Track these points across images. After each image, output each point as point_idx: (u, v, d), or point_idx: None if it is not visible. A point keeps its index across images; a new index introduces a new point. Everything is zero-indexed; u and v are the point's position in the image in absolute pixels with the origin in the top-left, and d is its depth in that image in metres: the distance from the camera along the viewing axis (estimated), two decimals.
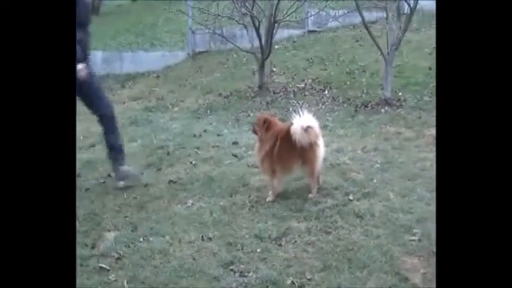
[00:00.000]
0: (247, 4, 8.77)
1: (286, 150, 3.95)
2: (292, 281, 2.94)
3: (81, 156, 5.86)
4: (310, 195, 4.04)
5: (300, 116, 3.91)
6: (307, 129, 3.84)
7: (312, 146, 3.91)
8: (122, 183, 4.61)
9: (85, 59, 4.55)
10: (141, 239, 3.57)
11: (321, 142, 4.00)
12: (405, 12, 7.56)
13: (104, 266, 3.24)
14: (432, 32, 10.23)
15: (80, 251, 3.44)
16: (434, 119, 6.14)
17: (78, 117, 8.47)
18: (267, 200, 4.06)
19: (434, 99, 6.93)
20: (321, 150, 4.02)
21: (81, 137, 6.86)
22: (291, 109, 6.84)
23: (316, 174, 4.06)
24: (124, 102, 9.47)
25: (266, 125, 4.05)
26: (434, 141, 5.35)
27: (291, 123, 3.95)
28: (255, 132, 4.20)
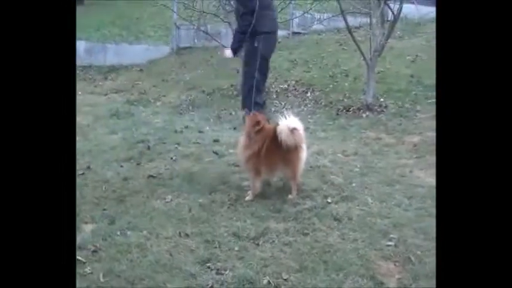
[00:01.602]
0: (232, 2, 8.75)
1: (272, 150, 3.95)
2: (268, 281, 2.94)
3: None
4: (290, 196, 4.04)
5: (286, 117, 3.90)
6: (293, 131, 3.84)
7: (296, 148, 3.92)
8: None
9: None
10: (119, 233, 3.53)
11: (304, 145, 4.01)
12: (389, 19, 7.60)
13: (80, 258, 3.19)
14: (415, 40, 10.37)
15: None
16: (414, 126, 6.22)
17: None
18: (246, 199, 4.06)
19: (415, 106, 7.02)
20: (304, 154, 4.03)
21: None
22: (273, 109, 6.87)
23: (298, 177, 4.06)
24: (106, 94, 9.42)
25: (258, 127, 4.03)
26: (414, 148, 5.42)
27: (277, 124, 3.95)
28: (244, 122, 4.17)
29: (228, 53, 4.49)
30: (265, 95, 4.59)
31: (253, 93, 4.42)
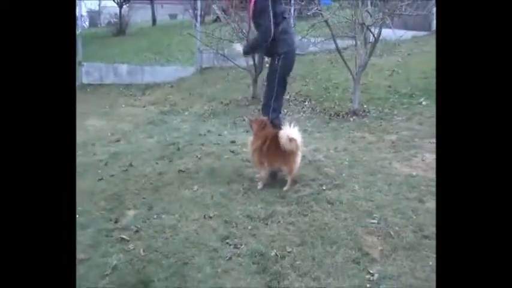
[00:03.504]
0: (243, 30, 8.78)
1: (273, 149, 3.93)
2: (275, 253, 2.94)
3: (109, 149, 5.85)
4: (284, 188, 4.00)
5: (289, 126, 3.87)
6: (291, 140, 3.82)
7: (292, 153, 3.89)
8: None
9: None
10: (155, 216, 3.55)
11: (300, 152, 3.97)
12: (370, 41, 7.56)
13: (124, 237, 3.23)
14: (392, 58, 10.31)
15: (105, 225, 3.44)
16: (392, 127, 6.19)
17: (106, 117, 8.47)
18: (258, 188, 4.05)
19: (392, 111, 6.98)
20: (299, 157, 4.00)
21: (109, 134, 6.85)
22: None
23: (293, 174, 4.03)
24: (144, 106, 9.45)
25: (262, 125, 4.04)
26: (392, 144, 5.39)
27: (281, 129, 3.93)
28: (251, 127, 4.17)
29: (239, 48, 4.31)
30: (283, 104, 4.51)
31: (271, 102, 4.38)
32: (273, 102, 4.32)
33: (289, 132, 3.83)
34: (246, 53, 4.33)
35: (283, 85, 4.41)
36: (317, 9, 7.45)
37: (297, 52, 4.58)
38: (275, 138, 3.90)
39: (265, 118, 4.15)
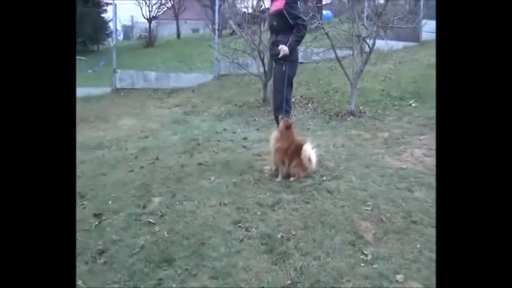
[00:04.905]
0: (255, 42, 8.76)
1: (294, 154, 3.92)
2: (281, 235, 2.91)
3: (138, 144, 5.86)
4: (290, 179, 3.96)
5: (311, 145, 3.94)
6: (310, 159, 3.87)
7: (307, 166, 3.93)
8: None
9: None
10: (178, 203, 3.54)
11: (312, 167, 3.98)
12: (366, 50, 7.47)
13: (151, 220, 3.22)
14: (385, 65, 10.18)
15: (135, 210, 3.43)
16: (384, 125, 6.11)
17: (137, 117, 8.45)
18: (277, 180, 3.98)
19: (385, 111, 6.89)
20: (310, 169, 3.99)
21: (139, 131, 6.87)
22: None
23: (301, 176, 3.98)
24: (169, 108, 9.46)
25: (288, 125, 3.99)
26: (385, 141, 5.31)
27: (305, 142, 3.95)
28: (280, 124, 4.13)
29: (285, 49, 4.33)
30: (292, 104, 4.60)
31: (283, 104, 4.37)
32: (284, 104, 4.29)
33: (311, 153, 3.88)
34: (293, 49, 4.37)
35: (291, 87, 4.40)
36: (319, 23, 7.37)
37: (301, 61, 4.61)
38: (299, 148, 3.91)
39: (291, 121, 4.13)
